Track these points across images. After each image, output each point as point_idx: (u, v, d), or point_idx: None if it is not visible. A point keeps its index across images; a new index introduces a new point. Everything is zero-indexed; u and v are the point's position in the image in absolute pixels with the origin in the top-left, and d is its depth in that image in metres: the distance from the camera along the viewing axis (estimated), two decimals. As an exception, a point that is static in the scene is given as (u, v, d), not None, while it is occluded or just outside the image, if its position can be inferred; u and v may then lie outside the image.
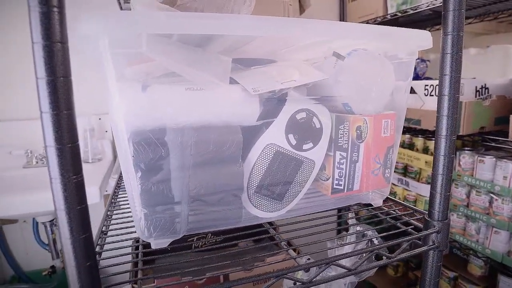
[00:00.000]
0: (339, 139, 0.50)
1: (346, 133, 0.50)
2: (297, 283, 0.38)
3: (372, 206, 0.58)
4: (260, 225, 0.52)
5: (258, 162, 0.46)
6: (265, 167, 0.47)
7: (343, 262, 0.43)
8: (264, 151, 0.46)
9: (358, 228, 0.61)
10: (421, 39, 0.50)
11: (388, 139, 0.53)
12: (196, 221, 0.44)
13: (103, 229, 0.51)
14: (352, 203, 0.57)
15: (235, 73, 0.46)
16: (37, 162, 1.26)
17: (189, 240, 1.10)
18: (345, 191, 0.53)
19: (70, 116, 0.29)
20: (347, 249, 0.59)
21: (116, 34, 0.34)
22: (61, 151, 0.28)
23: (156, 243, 0.43)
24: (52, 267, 1.33)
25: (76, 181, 0.29)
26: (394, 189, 1.39)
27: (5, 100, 1.28)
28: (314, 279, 0.38)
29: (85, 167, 0.31)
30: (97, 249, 0.46)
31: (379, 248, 0.44)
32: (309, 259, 0.55)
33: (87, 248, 0.31)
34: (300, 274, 0.56)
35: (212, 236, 1.20)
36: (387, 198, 0.59)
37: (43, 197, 1.12)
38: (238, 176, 0.45)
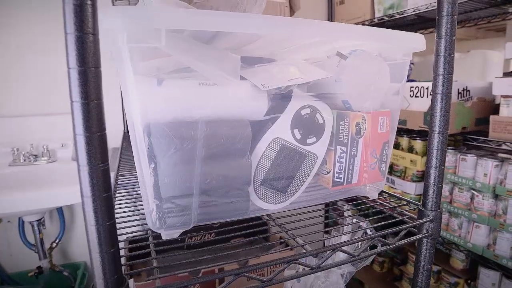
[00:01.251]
0: (340, 134, 0.52)
1: (346, 129, 0.53)
2: (306, 268, 0.40)
3: (369, 198, 0.61)
4: (256, 219, 0.53)
5: (265, 155, 0.48)
6: (271, 160, 0.49)
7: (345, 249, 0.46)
8: (270, 145, 0.48)
9: (354, 220, 0.63)
10: (415, 42, 0.53)
11: (384, 135, 0.56)
12: (205, 213, 0.46)
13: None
14: (351, 196, 0.60)
15: (241, 71, 0.48)
16: (24, 160, 1.23)
17: (181, 238, 1.11)
18: (345, 184, 0.55)
19: (99, 105, 0.30)
20: (345, 238, 0.62)
21: (135, 29, 0.35)
22: (90, 139, 0.29)
23: (166, 234, 0.44)
24: (39, 267, 1.31)
25: (103, 169, 0.30)
26: (380, 187, 1.44)
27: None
28: (322, 264, 0.41)
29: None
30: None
31: (380, 236, 0.46)
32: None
33: (111, 234, 0.32)
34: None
35: (204, 233, 1.21)
36: (381, 191, 0.62)
37: (31, 196, 1.11)
38: (246, 169, 0.47)
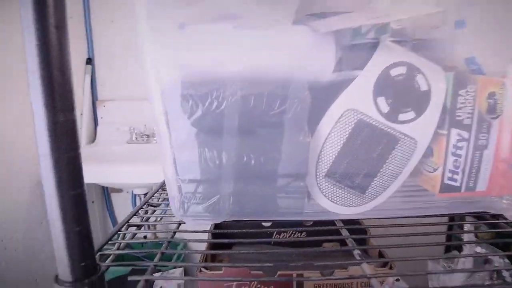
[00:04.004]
0: (458, 111, 0.34)
1: (470, 103, 0.34)
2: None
3: (505, 219, 0.39)
4: (356, 223, 0.39)
5: (333, 135, 0.34)
6: (342, 143, 0.34)
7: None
8: (341, 120, 0.33)
9: (478, 249, 0.43)
10: None
11: (543, 116, 0.34)
12: (242, 205, 0.34)
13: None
14: (473, 210, 0.40)
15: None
16: (136, 139, 1.35)
17: (269, 231, 1.03)
18: (463, 190, 0.36)
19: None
20: (459, 278, 0.42)
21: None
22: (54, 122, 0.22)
23: (193, 224, 0.35)
24: (145, 237, 1.43)
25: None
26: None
27: (113, 82, 1.42)
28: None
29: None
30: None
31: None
32: (398, 279, 0.40)
33: (78, 205, 0.24)
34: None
35: (294, 232, 1.10)
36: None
37: (140, 170, 1.21)
38: (302, 151, 0.34)
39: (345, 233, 0.37)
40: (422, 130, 0.34)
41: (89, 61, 1.41)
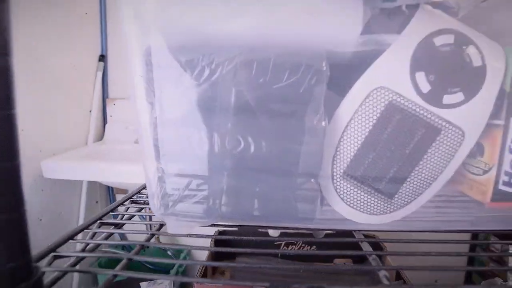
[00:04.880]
0: (521, 96, 0.26)
1: (537, 86, 0.26)
2: None
3: None
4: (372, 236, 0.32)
5: (356, 121, 0.27)
6: (367, 132, 0.27)
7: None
8: (367, 102, 0.26)
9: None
10: None
11: None
12: (237, 206, 0.27)
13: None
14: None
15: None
16: (143, 139, 1.31)
17: (276, 242, 0.95)
18: (523, 200, 0.28)
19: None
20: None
21: None
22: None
23: (175, 226, 0.28)
24: (147, 241, 1.37)
25: None
26: None
27: (125, 81, 1.39)
28: None
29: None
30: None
31: None
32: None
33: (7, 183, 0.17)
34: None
35: (304, 245, 1.02)
36: None
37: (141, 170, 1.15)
38: (316, 141, 0.27)
39: (366, 247, 0.30)
40: (471, 119, 0.26)
41: (102, 58, 1.40)
